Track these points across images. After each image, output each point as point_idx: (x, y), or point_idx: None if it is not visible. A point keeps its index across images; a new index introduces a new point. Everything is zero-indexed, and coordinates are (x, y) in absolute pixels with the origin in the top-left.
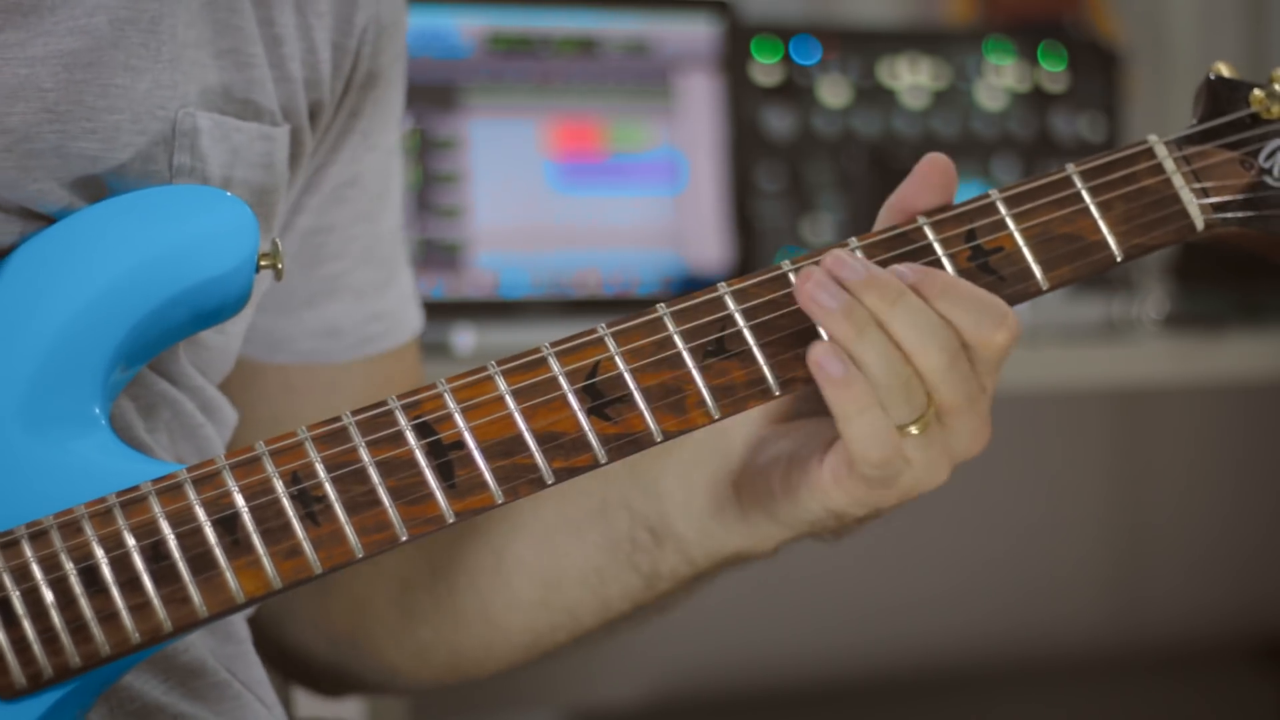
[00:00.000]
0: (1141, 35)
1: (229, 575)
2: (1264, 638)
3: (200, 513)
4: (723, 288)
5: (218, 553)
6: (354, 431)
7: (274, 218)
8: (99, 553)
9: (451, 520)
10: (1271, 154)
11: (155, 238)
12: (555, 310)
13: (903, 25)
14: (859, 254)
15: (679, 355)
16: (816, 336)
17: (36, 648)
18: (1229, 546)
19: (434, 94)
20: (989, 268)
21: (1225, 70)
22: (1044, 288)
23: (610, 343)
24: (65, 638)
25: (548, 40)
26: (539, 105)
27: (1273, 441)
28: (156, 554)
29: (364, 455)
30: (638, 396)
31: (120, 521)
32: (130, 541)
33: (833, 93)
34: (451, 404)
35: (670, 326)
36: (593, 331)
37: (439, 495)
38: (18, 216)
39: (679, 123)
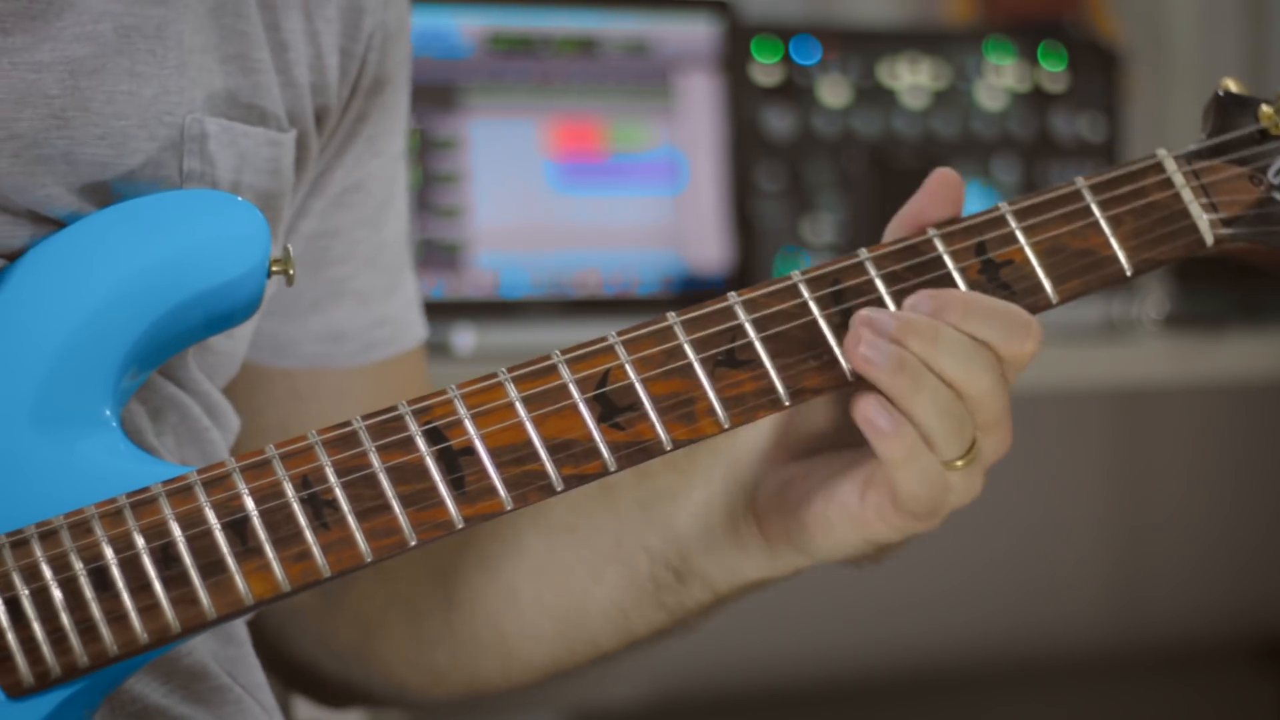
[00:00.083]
0: (1141, 35)
1: (238, 578)
2: (1264, 638)
3: (210, 515)
4: (733, 297)
5: (227, 555)
6: (364, 436)
7: (279, 222)
8: (109, 553)
9: (461, 526)
10: None
11: (168, 242)
12: (555, 310)
13: (903, 25)
14: (870, 265)
15: (690, 365)
16: (826, 347)
17: (45, 647)
18: (1229, 546)
19: (434, 94)
20: (999, 280)
21: (1234, 86)
22: (1054, 301)
23: (621, 351)
24: (73, 637)
25: (548, 40)
26: (539, 105)
27: (1273, 441)
28: (166, 555)
29: (374, 460)
30: (648, 405)
31: (130, 522)
32: (140, 543)
33: (833, 93)
34: (462, 410)
35: (681, 336)
36: (603, 340)
37: (448, 501)
38: (27, 220)
39: (679, 123)
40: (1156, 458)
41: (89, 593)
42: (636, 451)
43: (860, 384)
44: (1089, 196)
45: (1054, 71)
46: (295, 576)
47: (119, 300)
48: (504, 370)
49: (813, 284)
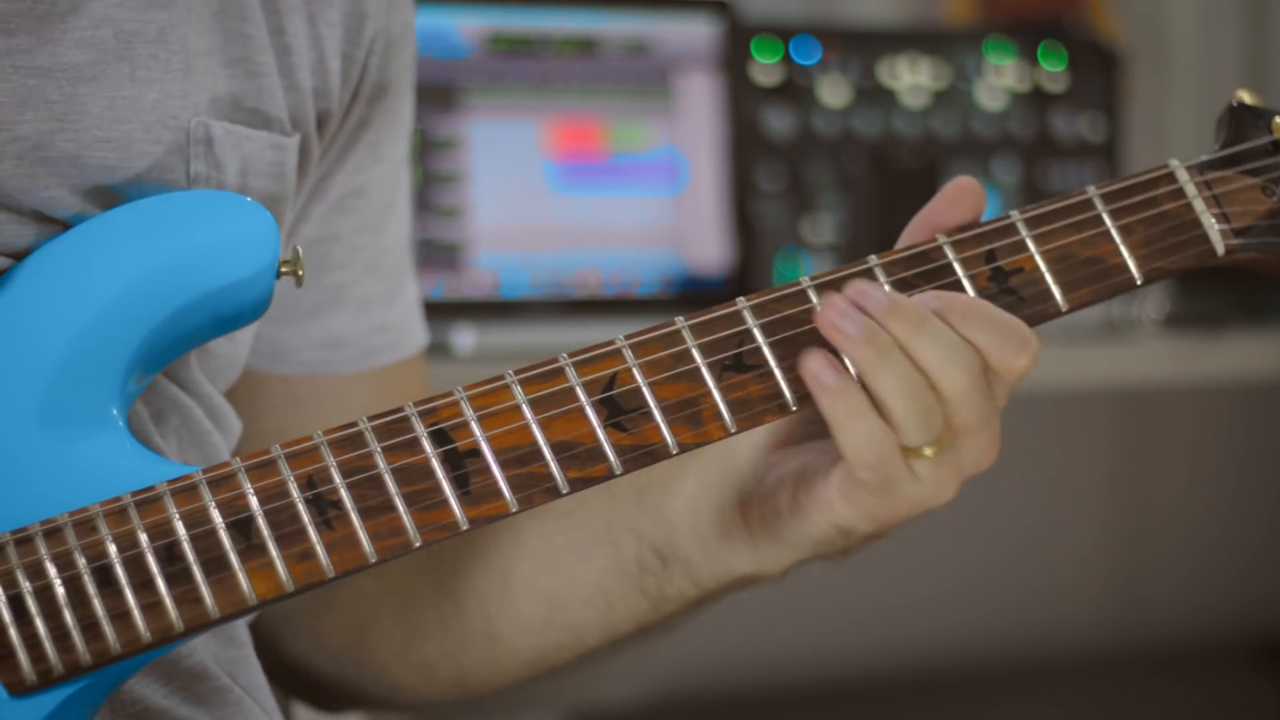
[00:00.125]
0: (1141, 35)
1: (241, 577)
2: (1264, 638)
3: (215, 514)
4: (741, 302)
5: (231, 554)
6: (370, 437)
7: (282, 227)
8: (113, 551)
9: (465, 527)
10: None
11: (176, 242)
12: (555, 310)
13: (903, 25)
14: (879, 272)
15: (697, 369)
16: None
17: (48, 644)
18: (1229, 546)
19: (434, 94)
20: (1009, 288)
21: (1248, 97)
22: (1063, 309)
23: (628, 354)
24: (76, 635)
25: (548, 40)
26: (539, 105)
27: (1273, 441)
28: (170, 554)
29: (379, 461)
30: (655, 409)
31: (135, 521)
32: (144, 541)
33: (833, 93)
34: (468, 411)
35: (688, 340)
36: (611, 343)
37: (453, 502)
38: (32, 220)
39: (679, 123)
40: (1156, 458)
41: (92, 590)
42: (643, 454)
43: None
44: (1100, 205)
45: (1054, 71)
46: (299, 576)
47: (127, 300)
48: (510, 372)
49: (821, 289)
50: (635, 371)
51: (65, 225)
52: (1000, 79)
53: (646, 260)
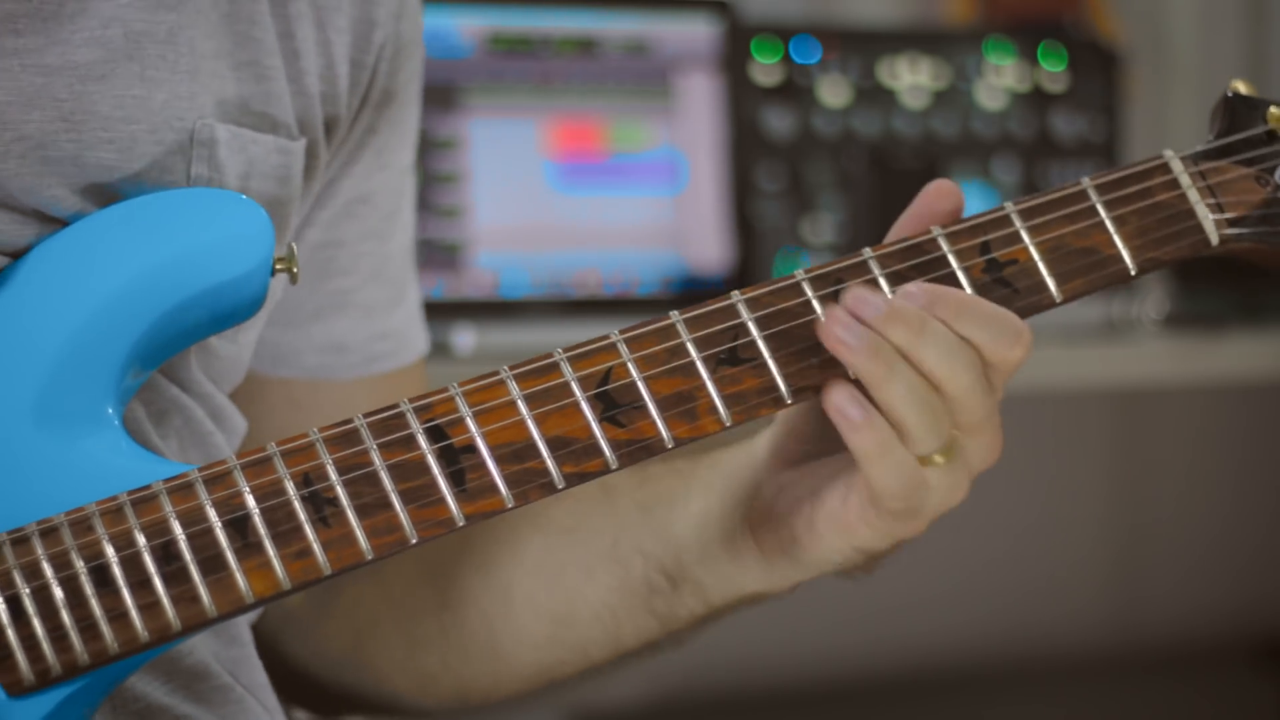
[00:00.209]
0: (1141, 35)
1: (239, 575)
2: (1264, 638)
3: (211, 513)
4: (736, 296)
5: (228, 553)
6: (366, 434)
7: (286, 230)
8: (109, 551)
9: (462, 523)
10: None
11: (172, 239)
12: (555, 310)
13: (903, 25)
14: (874, 264)
15: (692, 363)
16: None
17: (45, 645)
18: (1229, 546)
19: (434, 94)
20: (1003, 280)
21: (1243, 87)
22: (1057, 300)
23: (623, 349)
24: (74, 635)
25: (548, 40)
26: (539, 105)
27: (1273, 441)
28: (167, 553)
29: (375, 458)
30: (650, 403)
31: (131, 520)
32: (141, 540)
33: (833, 93)
34: (463, 407)
35: (683, 334)
36: (605, 338)
37: (449, 498)
38: (33, 220)
39: (679, 123)
40: (1156, 458)
41: (89, 590)
42: (638, 449)
43: (861, 384)
44: (1094, 196)
45: (1054, 71)
46: (296, 574)
47: (122, 298)
48: (505, 368)
49: (816, 282)
50: (630, 366)
51: (65, 224)
52: (1000, 79)
53: (646, 260)
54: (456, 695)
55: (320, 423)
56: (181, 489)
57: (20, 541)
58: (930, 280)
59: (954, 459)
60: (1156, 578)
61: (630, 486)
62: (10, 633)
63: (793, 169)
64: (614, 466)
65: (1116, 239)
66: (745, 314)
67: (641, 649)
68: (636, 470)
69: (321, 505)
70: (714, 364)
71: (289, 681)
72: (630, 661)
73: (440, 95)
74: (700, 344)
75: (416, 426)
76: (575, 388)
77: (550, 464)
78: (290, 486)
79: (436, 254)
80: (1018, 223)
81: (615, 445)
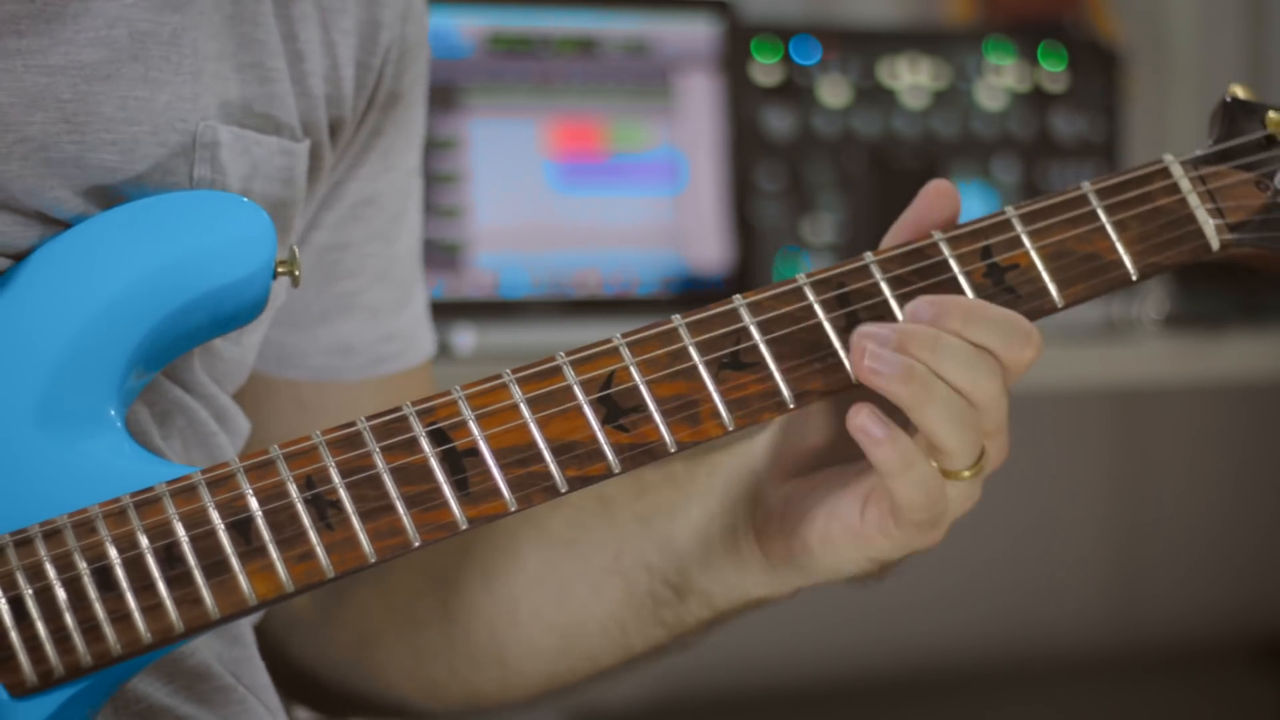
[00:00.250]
0: (1141, 35)
1: (241, 578)
2: (1264, 638)
3: (214, 515)
4: (738, 300)
5: (230, 555)
6: (368, 437)
7: (290, 231)
8: (112, 553)
9: (465, 527)
10: None
11: (174, 242)
12: (555, 310)
13: (903, 25)
14: (875, 269)
15: (694, 367)
16: (831, 350)
17: (48, 646)
18: (1229, 546)
19: (434, 94)
20: (1004, 284)
21: (1242, 92)
22: (1059, 305)
23: (625, 353)
24: (77, 637)
25: (548, 40)
26: (539, 105)
27: (1273, 441)
28: (170, 555)
29: (378, 461)
30: (652, 407)
31: (134, 522)
32: (144, 542)
33: (833, 93)
34: (466, 411)
35: (686, 338)
36: (608, 342)
37: (452, 502)
38: (35, 221)
39: (679, 123)
40: (1156, 458)
41: (92, 592)
42: (641, 453)
43: (864, 388)
44: (1095, 201)
45: (1054, 71)
46: (299, 577)
47: (124, 300)
48: (508, 372)
49: (818, 287)
50: (633, 370)
51: (67, 226)
52: (1000, 79)
53: (646, 260)
54: (466, 701)
55: (327, 424)
56: (185, 491)
57: (23, 543)
58: (931, 284)
59: (980, 470)
60: (1156, 578)
61: (628, 498)
62: (13, 634)
63: (793, 169)
64: (617, 470)
65: (1118, 244)
66: (747, 318)
67: (652, 654)
68: (633, 480)
69: (324, 508)
70: (716, 368)
71: (294, 682)
72: (641, 666)
73: (440, 95)
74: (703, 348)
75: (419, 429)
76: (578, 391)
77: (553, 467)
78: (293, 489)
79: (436, 254)
80: (1019, 227)
81: (618, 449)
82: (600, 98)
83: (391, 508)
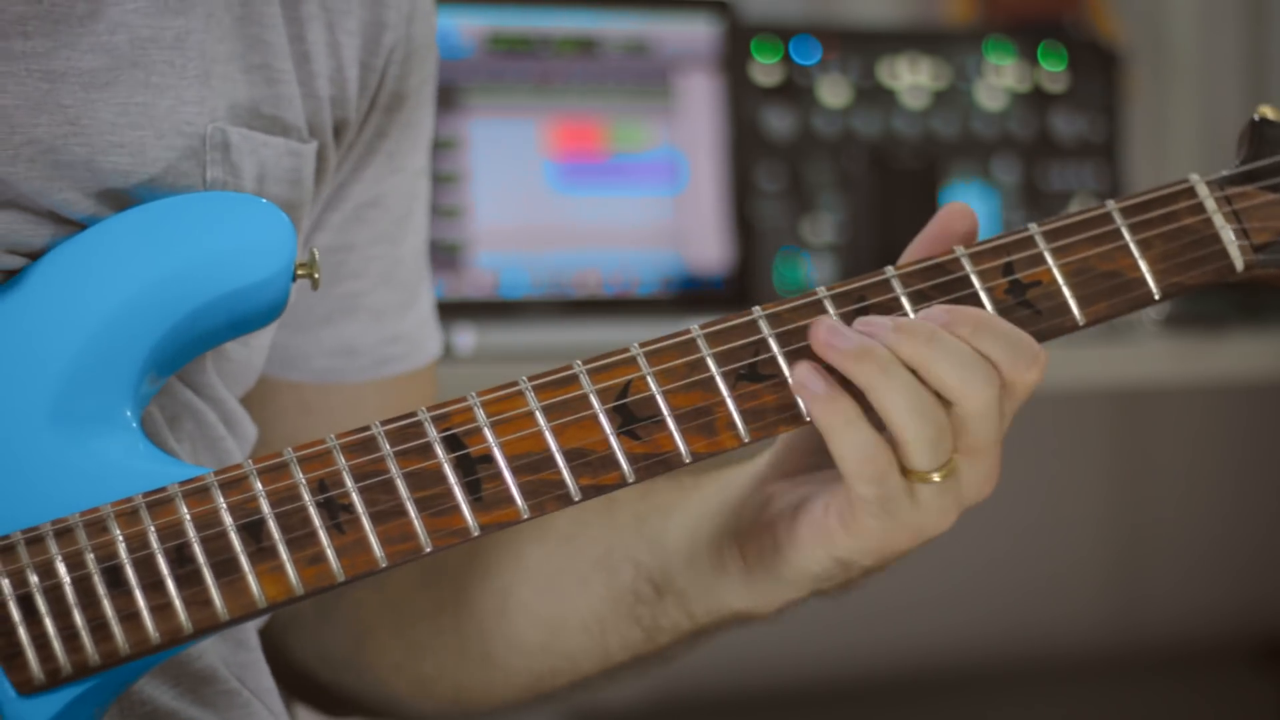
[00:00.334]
0: (1141, 35)
1: (251, 580)
2: (1264, 638)
3: (226, 516)
4: (757, 311)
5: (241, 557)
6: (383, 441)
7: (299, 233)
8: (123, 552)
9: (477, 534)
10: None
11: (193, 243)
12: (555, 310)
13: (903, 25)
14: (896, 283)
15: (711, 378)
16: None
17: (56, 644)
18: (1229, 546)
19: None
20: (1026, 301)
21: (1270, 112)
22: (1080, 323)
23: (643, 362)
24: (85, 635)
25: (548, 40)
26: (539, 105)
27: (1273, 441)
28: (180, 556)
29: (392, 466)
30: (668, 417)
31: (146, 522)
32: (155, 543)
33: (833, 93)
34: (481, 417)
35: (703, 348)
36: (625, 350)
37: (465, 508)
38: (48, 221)
39: (679, 123)
40: (1156, 458)
41: (102, 591)
42: (656, 463)
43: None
44: (1119, 219)
45: (1054, 71)
46: (309, 579)
47: (142, 301)
48: (524, 379)
49: (838, 299)
50: (649, 379)
51: (81, 226)
52: (1000, 79)
53: (646, 260)
54: (454, 700)
55: (330, 426)
56: (197, 492)
57: (35, 541)
58: (953, 299)
59: (950, 480)
60: (1156, 578)
61: (633, 498)
62: (22, 631)
63: (793, 169)
64: (631, 480)
65: (1141, 263)
66: (766, 330)
67: (630, 663)
68: (643, 483)
69: (336, 511)
70: (734, 379)
71: (295, 682)
72: (621, 676)
73: (440, 95)
74: (720, 359)
75: (434, 435)
76: (594, 400)
77: (567, 476)
78: (305, 492)
79: (437, 254)
80: (1041, 244)
81: (633, 458)
82: (600, 98)
83: (404, 512)
